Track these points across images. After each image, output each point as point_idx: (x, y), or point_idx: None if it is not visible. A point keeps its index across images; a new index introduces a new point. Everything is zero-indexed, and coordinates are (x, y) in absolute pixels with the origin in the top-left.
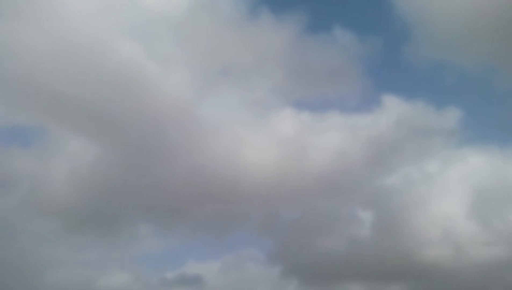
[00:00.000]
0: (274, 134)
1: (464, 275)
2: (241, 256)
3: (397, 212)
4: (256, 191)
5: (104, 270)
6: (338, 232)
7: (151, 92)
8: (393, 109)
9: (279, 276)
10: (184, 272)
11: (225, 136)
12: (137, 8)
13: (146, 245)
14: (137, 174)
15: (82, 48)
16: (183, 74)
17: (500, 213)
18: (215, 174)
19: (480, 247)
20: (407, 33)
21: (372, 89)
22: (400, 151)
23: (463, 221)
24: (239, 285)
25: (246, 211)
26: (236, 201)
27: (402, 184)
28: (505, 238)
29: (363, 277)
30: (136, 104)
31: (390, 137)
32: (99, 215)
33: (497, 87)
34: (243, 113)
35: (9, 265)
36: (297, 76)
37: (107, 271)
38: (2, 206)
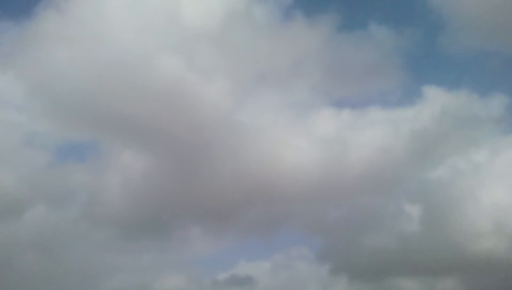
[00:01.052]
0: (316, 134)
1: None
2: (290, 255)
3: (446, 205)
4: (302, 191)
5: (160, 274)
6: (386, 227)
7: (194, 103)
8: (436, 101)
9: (329, 273)
10: (235, 272)
11: (268, 139)
12: (176, 24)
13: (198, 248)
14: (186, 181)
15: (128, 67)
16: (223, 82)
17: None
18: (260, 176)
19: None
20: (444, 23)
21: (413, 81)
22: (445, 143)
23: None
24: (289, 283)
25: (293, 210)
26: (282, 201)
27: (450, 176)
28: None
29: (413, 272)
30: (181, 115)
31: (434, 129)
32: (152, 222)
33: None
34: (284, 116)
35: (71, 273)
36: (335, 75)
37: (162, 274)
38: (62, 218)
